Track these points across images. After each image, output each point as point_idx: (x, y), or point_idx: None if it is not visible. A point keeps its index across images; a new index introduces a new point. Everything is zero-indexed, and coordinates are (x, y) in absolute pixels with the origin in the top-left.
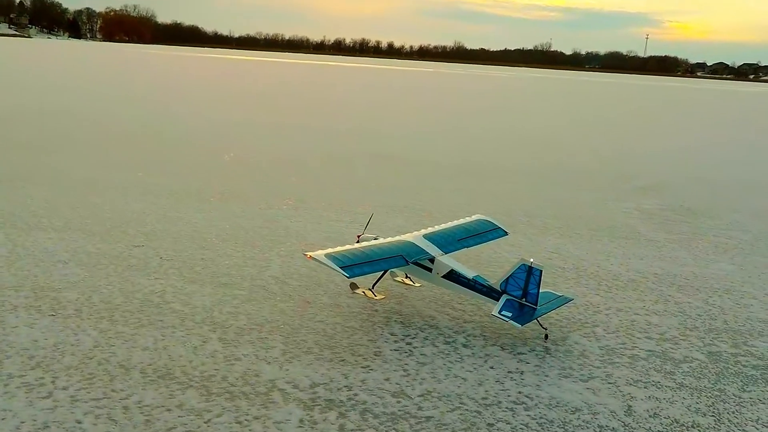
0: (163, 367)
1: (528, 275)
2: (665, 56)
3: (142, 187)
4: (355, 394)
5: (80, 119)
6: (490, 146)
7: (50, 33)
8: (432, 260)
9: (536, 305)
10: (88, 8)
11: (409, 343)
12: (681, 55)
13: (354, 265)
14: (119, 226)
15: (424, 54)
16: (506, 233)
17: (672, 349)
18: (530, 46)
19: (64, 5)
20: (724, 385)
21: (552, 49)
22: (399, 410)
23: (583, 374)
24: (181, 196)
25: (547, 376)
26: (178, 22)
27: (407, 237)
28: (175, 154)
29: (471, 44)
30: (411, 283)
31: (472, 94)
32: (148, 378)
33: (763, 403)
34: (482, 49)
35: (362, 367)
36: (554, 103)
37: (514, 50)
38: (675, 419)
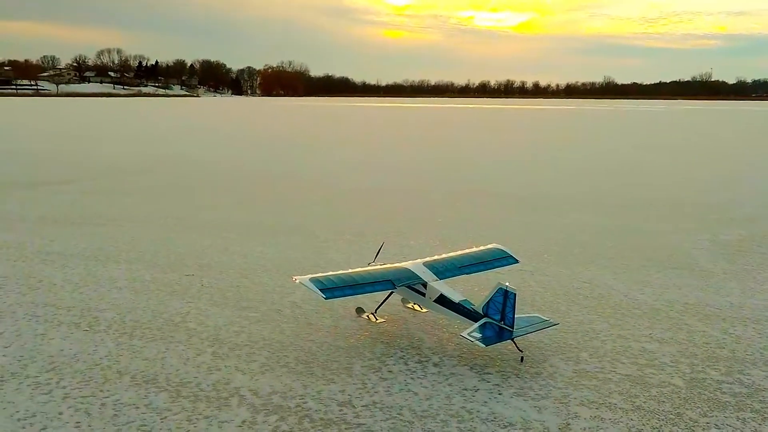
0: (151, 374)
1: (505, 298)
2: None
3: (218, 224)
4: (305, 402)
5: (205, 166)
6: (585, 178)
7: (216, 91)
8: (425, 285)
9: (512, 328)
10: (249, 67)
11: (382, 361)
12: None
13: (335, 288)
14: (182, 258)
15: (571, 92)
16: (516, 261)
17: (652, 374)
18: (687, 77)
19: (228, 65)
20: (686, 409)
21: (713, 79)
22: (337, 417)
23: (539, 394)
24: (248, 232)
25: (500, 394)
26: (330, 74)
27: (406, 264)
28: (264, 192)
29: (621, 79)
30: (419, 309)
31: (604, 129)
32: (134, 382)
33: (718, 428)
34: (634, 83)
35: (326, 380)
36: (688, 135)
37: (670, 82)
38: None
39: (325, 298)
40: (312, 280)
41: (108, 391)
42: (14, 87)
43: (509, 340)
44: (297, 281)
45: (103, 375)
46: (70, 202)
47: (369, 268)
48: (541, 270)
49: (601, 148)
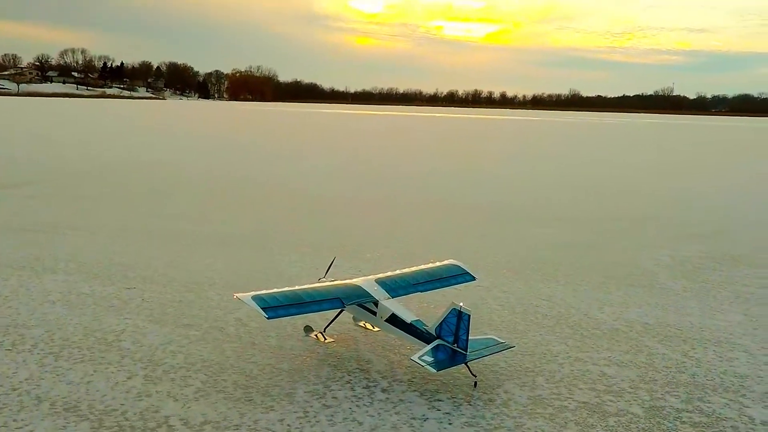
0: (73, 401)
1: (458, 320)
2: None
3: (168, 233)
4: None
5: (164, 172)
6: (549, 191)
7: (182, 94)
8: (377, 303)
9: (466, 351)
10: (216, 70)
11: (327, 386)
12: None
13: (279, 307)
14: (125, 270)
15: (537, 103)
16: (473, 278)
17: (610, 401)
18: (650, 92)
19: (196, 68)
20: None
21: (674, 94)
22: None
23: (492, 424)
24: (199, 242)
25: (450, 424)
26: (298, 80)
27: (357, 280)
28: (222, 199)
29: (587, 91)
30: (371, 328)
31: (571, 142)
32: (53, 410)
33: None
34: (599, 96)
35: (264, 407)
36: (651, 148)
37: (633, 96)
38: None
39: (268, 318)
40: (254, 297)
41: (22, 420)
42: None
43: (462, 364)
44: (238, 298)
45: (19, 401)
46: (12, 207)
47: (317, 285)
48: (499, 286)
49: (567, 161)
